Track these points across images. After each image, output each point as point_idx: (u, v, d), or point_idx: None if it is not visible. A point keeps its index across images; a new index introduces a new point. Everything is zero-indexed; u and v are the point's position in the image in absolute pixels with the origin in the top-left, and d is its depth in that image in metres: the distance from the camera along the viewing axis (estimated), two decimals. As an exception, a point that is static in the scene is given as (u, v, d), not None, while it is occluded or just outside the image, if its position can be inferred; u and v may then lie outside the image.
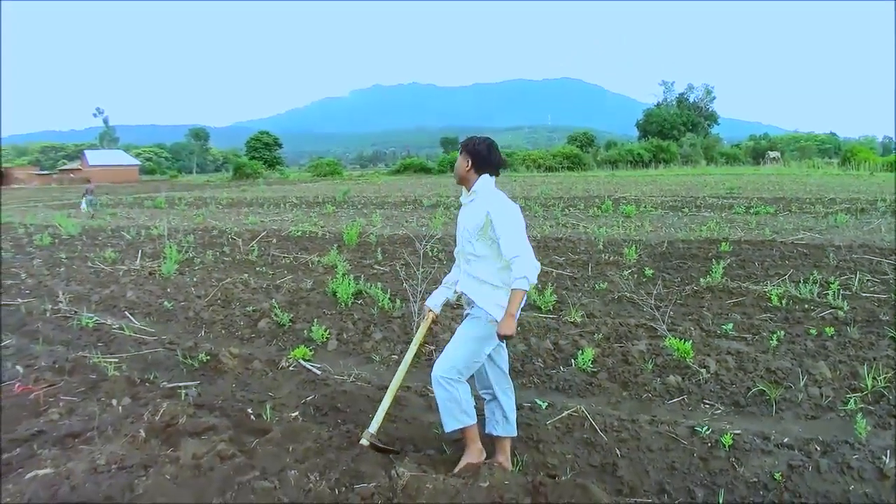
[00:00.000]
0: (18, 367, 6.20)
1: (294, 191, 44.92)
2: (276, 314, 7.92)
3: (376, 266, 11.75)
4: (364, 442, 4.29)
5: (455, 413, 4.24)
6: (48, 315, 8.64)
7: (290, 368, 6.34)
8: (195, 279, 10.89)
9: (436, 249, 13.16)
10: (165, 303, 9.04)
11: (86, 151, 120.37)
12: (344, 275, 9.54)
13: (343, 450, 4.21)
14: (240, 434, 4.50)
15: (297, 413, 5.21)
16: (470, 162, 4.39)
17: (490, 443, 4.52)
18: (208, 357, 6.54)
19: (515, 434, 4.55)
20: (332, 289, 9.09)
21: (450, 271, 4.88)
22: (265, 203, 31.69)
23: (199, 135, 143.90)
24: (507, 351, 4.76)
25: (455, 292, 4.79)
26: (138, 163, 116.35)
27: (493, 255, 4.29)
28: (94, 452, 4.04)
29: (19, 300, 9.55)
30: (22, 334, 7.82)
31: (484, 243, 4.31)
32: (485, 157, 4.40)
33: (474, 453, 4.34)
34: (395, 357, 6.71)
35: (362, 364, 6.62)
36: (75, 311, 8.71)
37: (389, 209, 25.66)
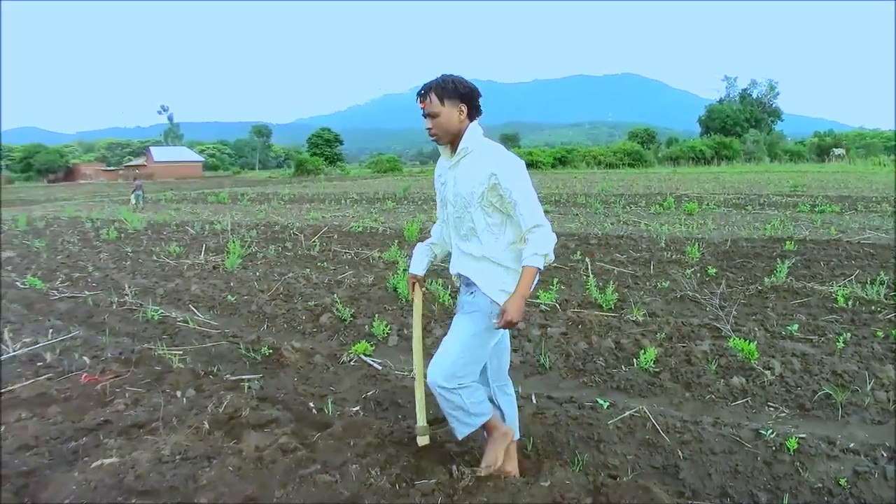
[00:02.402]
0: (85, 358, 6.37)
1: (354, 187, 45.27)
2: (337, 309, 7.97)
3: (436, 262, 11.73)
4: (424, 441, 4.00)
5: (463, 419, 3.70)
6: (115, 307, 8.85)
7: (352, 363, 6.37)
8: (258, 273, 11.05)
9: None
10: (229, 296, 9.18)
11: (151, 148, 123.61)
12: (405, 270, 9.56)
13: (403, 445, 4.22)
14: (301, 427, 4.55)
15: (358, 407, 5.24)
16: (465, 109, 3.52)
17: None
18: (271, 351, 6.62)
19: (518, 437, 4.14)
20: (392, 284, 9.12)
21: (432, 232, 4.49)
22: (326, 199, 31.99)
23: (262, 131, 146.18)
24: (509, 342, 4.23)
25: (436, 255, 4.51)
26: (202, 159, 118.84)
27: (498, 226, 3.59)
28: (159, 443, 4.14)
29: (87, 293, 9.80)
30: (89, 326, 8.04)
31: (485, 213, 3.55)
32: (477, 97, 3.56)
33: (499, 440, 3.82)
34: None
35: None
36: (141, 304, 8.89)
37: (448, 205, 25.59)
